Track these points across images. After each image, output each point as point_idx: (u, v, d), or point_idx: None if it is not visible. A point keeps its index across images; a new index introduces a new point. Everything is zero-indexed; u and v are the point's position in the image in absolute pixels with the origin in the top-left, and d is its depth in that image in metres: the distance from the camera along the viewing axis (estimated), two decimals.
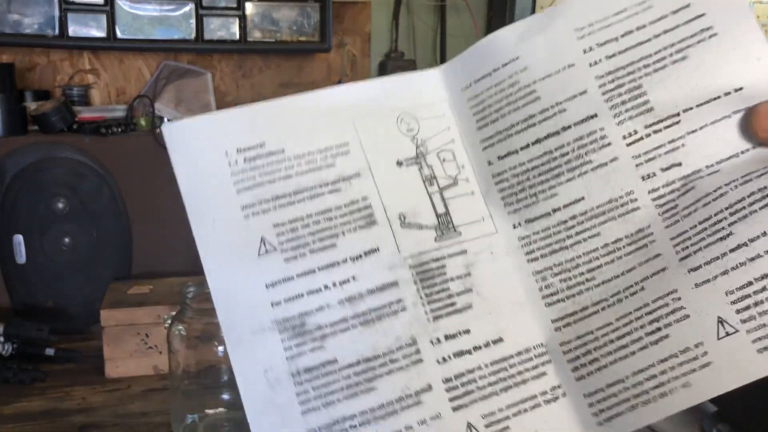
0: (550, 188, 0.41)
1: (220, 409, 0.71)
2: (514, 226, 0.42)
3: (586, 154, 0.41)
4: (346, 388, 0.39)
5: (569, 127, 0.41)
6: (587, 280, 0.40)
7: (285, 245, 0.40)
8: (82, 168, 1.03)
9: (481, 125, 0.44)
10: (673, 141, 0.40)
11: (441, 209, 0.43)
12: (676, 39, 0.40)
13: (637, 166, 0.40)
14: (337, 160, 0.42)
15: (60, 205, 1.02)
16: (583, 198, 0.41)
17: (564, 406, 0.40)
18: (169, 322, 0.70)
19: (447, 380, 0.40)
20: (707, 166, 0.39)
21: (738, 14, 0.39)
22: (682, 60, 0.40)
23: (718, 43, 0.39)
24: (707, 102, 0.39)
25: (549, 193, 0.41)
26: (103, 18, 1.17)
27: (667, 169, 0.40)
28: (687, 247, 0.38)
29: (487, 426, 0.39)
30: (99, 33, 1.18)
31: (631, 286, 0.39)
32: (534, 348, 0.41)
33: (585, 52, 0.41)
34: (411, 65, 1.46)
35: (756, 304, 0.36)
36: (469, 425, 0.39)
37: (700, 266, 0.38)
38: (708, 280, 0.37)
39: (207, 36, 1.23)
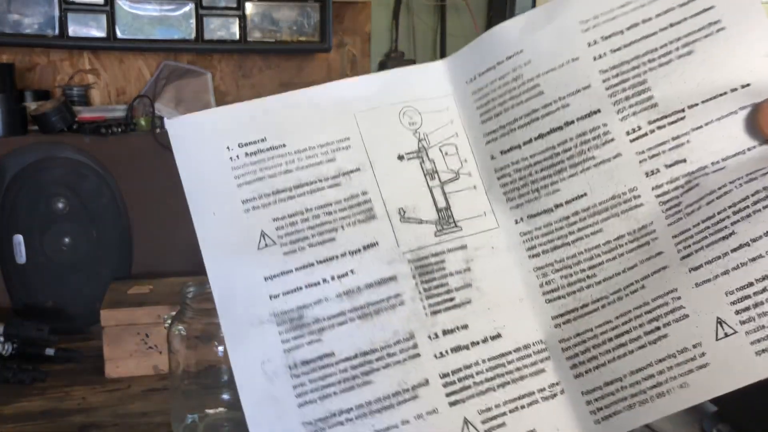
0: (553, 184, 0.41)
1: (220, 409, 0.71)
2: (516, 222, 0.42)
3: (588, 149, 0.40)
4: (343, 381, 0.39)
5: (572, 122, 0.41)
6: (588, 276, 0.40)
7: (284, 239, 0.40)
8: (82, 168, 1.03)
9: (484, 119, 0.43)
10: (677, 137, 0.39)
11: (442, 204, 0.43)
12: (682, 33, 0.39)
13: (640, 162, 0.40)
14: (337, 155, 0.42)
15: (60, 205, 1.02)
16: (585, 194, 0.41)
17: (562, 403, 0.40)
18: (169, 322, 0.70)
19: (444, 375, 0.40)
20: (712, 163, 0.38)
21: (747, 8, 0.38)
22: (688, 54, 0.39)
23: (726, 37, 0.38)
24: (713, 98, 0.39)
25: (551, 188, 0.41)
26: (103, 18, 1.17)
27: (671, 165, 0.39)
28: (689, 246, 0.38)
29: (483, 422, 0.39)
30: (99, 33, 1.18)
31: (632, 284, 0.39)
32: (533, 344, 0.41)
33: (589, 45, 0.41)
34: (411, 65, 1.46)
35: (756, 305, 0.36)
36: (466, 421, 0.39)
37: (701, 265, 0.37)
38: (708, 280, 0.37)
39: (207, 36, 1.23)
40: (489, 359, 0.40)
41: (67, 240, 1.02)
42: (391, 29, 1.47)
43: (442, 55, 1.48)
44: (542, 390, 0.40)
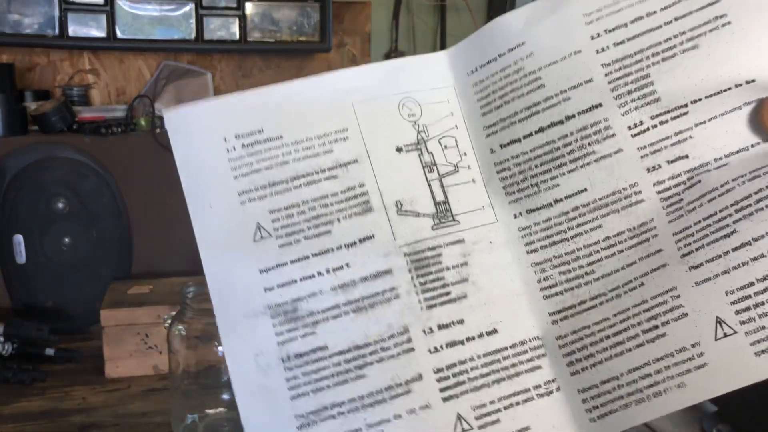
0: (552, 179, 0.41)
1: (220, 409, 0.71)
2: (515, 216, 0.42)
3: (589, 144, 0.40)
4: (336, 374, 0.39)
5: (573, 116, 0.40)
6: (587, 273, 0.40)
7: (280, 231, 0.40)
8: (82, 168, 1.03)
9: (485, 111, 0.43)
10: (680, 133, 0.39)
11: (440, 197, 0.42)
12: (687, 27, 0.39)
13: (642, 157, 0.39)
14: (335, 146, 0.42)
15: (60, 205, 1.02)
16: (585, 189, 0.40)
17: (557, 400, 0.40)
18: (169, 322, 0.70)
19: (438, 370, 0.40)
20: (715, 159, 0.38)
21: (753, 2, 0.38)
22: (693, 49, 0.39)
23: (731, 32, 0.38)
24: (717, 93, 0.38)
25: (551, 183, 0.41)
26: (103, 18, 1.17)
27: (673, 161, 0.39)
28: (689, 244, 0.38)
29: (477, 418, 0.39)
30: (99, 33, 1.18)
31: (631, 281, 0.39)
32: (529, 341, 0.41)
33: (592, 38, 0.40)
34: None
35: (756, 305, 0.35)
36: (459, 416, 0.39)
37: (701, 264, 0.37)
38: (709, 279, 0.37)
39: (207, 36, 1.23)
40: (484, 355, 0.40)
41: (67, 240, 1.02)
42: (391, 29, 1.47)
43: None
44: (538, 387, 0.40)
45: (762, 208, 0.36)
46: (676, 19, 0.39)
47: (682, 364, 0.37)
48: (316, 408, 0.38)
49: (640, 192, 0.39)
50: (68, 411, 0.79)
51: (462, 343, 0.40)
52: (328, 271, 0.40)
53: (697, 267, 0.37)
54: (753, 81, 0.38)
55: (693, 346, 0.37)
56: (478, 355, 0.40)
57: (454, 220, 0.42)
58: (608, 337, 0.39)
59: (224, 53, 1.31)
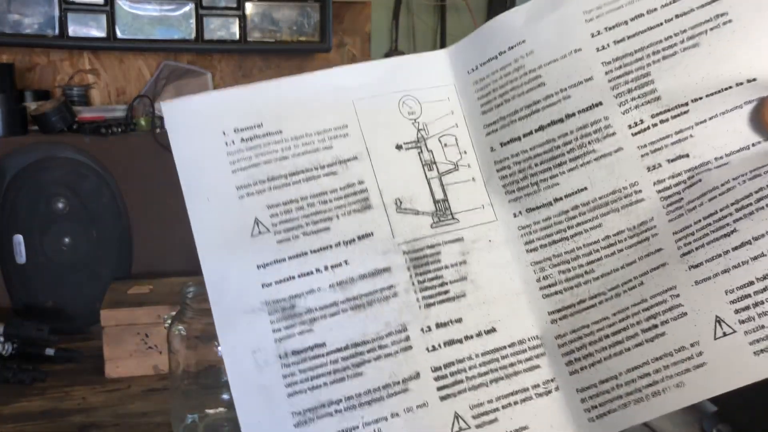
0: (552, 177, 0.41)
1: (220, 409, 0.71)
2: (515, 215, 0.42)
3: (589, 143, 0.40)
4: (334, 372, 0.39)
5: (573, 114, 0.40)
6: (586, 272, 0.40)
7: (278, 227, 0.40)
8: (82, 168, 1.03)
9: (485, 110, 0.43)
10: (680, 131, 0.39)
11: (439, 195, 0.42)
12: (688, 25, 0.39)
13: (642, 156, 0.39)
14: (334, 143, 0.42)
15: (60, 205, 1.02)
16: (585, 188, 0.40)
17: (556, 400, 0.40)
18: (169, 322, 0.70)
19: (436, 369, 0.39)
20: (716, 158, 0.38)
21: (755, 1, 0.38)
22: (694, 47, 0.38)
23: (733, 30, 0.38)
24: (718, 92, 0.38)
25: (551, 182, 0.41)
26: (103, 18, 1.17)
27: (673, 160, 0.39)
28: (689, 243, 0.38)
29: (474, 417, 0.39)
30: (99, 33, 1.18)
31: (630, 280, 0.39)
32: (528, 340, 0.40)
33: (593, 36, 0.40)
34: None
35: (756, 304, 0.35)
36: (457, 415, 0.39)
37: (701, 263, 0.37)
38: (708, 278, 0.37)
39: (207, 36, 1.23)
40: (482, 354, 0.40)
41: (67, 240, 1.02)
42: (391, 29, 1.47)
43: None
44: (536, 386, 0.40)
45: (762, 207, 0.36)
46: (677, 16, 0.39)
47: (681, 363, 0.37)
48: (314, 405, 0.38)
49: (640, 191, 0.39)
50: (68, 411, 0.79)
51: (460, 341, 0.40)
52: (326, 268, 0.40)
53: (696, 266, 0.37)
54: (754, 80, 0.37)
55: (692, 345, 0.37)
56: (477, 354, 0.40)
57: (453, 218, 0.42)
58: (607, 336, 0.39)
59: (224, 53, 1.31)
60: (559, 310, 0.40)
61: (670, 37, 0.39)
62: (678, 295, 0.37)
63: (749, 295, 0.35)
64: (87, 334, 0.99)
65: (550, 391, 0.40)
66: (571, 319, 0.40)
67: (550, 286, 0.41)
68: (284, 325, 0.39)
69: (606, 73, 0.40)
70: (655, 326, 0.38)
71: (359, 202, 0.41)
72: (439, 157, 0.43)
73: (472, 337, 0.40)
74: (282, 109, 0.41)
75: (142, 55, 1.28)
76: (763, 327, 0.35)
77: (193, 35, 1.23)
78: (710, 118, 0.38)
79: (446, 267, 0.41)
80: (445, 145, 0.43)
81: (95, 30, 1.18)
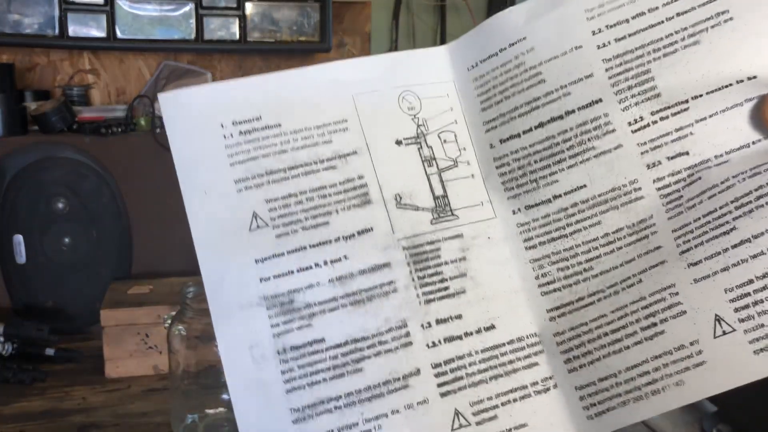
0: (552, 174, 0.41)
1: (220, 409, 0.71)
2: (514, 212, 0.42)
3: (589, 140, 0.40)
4: (333, 368, 0.38)
5: (573, 111, 0.40)
6: (585, 269, 0.40)
7: (277, 221, 0.40)
8: (82, 168, 1.03)
9: (485, 106, 0.43)
10: (680, 129, 0.38)
11: (439, 191, 0.42)
12: (689, 22, 0.39)
13: (642, 153, 0.39)
14: (334, 137, 0.41)
15: (60, 205, 1.02)
16: (584, 185, 0.40)
17: (554, 397, 0.39)
18: (169, 322, 0.70)
19: (436, 365, 0.39)
20: (716, 156, 0.38)
21: None
22: (694, 45, 0.38)
23: (733, 28, 0.38)
24: (718, 89, 0.38)
25: (550, 179, 0.41)
26: (103, 18, 1.17)
27: (673, 157, 0.39)
28: (688, 241, 0.37)
29: (474, 414, 0.39)
30: (99, 33, 1.18)
31: (629, 278, 0.39)
32: (527, 337, 0.40)
33: (594, 33, 0.40)
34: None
35: (755, 303, 0.35)
36: (457, 412, 0.39)
37: (700, 261, 0.37)
38: (708, 276, 0.37)
39: (207, 36, 1.23)
40: (482, 351, 0.40)
41: (67, 240, 1.02)
42: (391, 29, 1.47)
43: None
44: (535, 384, 0.40)
45: (762, 206, 0.36)
46: (678, 14, 0.39)
47: (680, 361, 0.37)
48: (312, 402, 0.38)
49: (639, 188, 0.39)
50: (68, 411, 0.79)
51: (460, 338, 0.40)
52: (325, 263, 0.40)
53: (696, 264, 0.37)
54: (754, 77, 0.37)
55: (691, 343, 0.36)
56: (476, 350, 0.40)
57: (452, 214, 0.42)
58: (606, 334, 0.39)
59: (224, 53, 1.31)
60: (557, 308, 0.40)
61: (671, 34, 0.39)
62: (677, 293, 0.37)
63: (749, 294, 0.35)
64: (87, 334, 0.99)
65: (548, 389, 0.40)
66: (570, 316, 0.40)
67: (548, 283, 0.41)
68: (282, 320, 0.38)
69: (606, 70, 0.40)
70: (654, 324, 0.38)
71: (359, 197, 0.41)
72: (439, 153, 0.43)
73: (471, 333, 0.40)
74: (281, 102, 0.41)
75: (142, 55, 1.28)
76: (762, 326, 0.35)
77: (193, 35, 1.23)
78: (710, 116, 0.38)
79: (446, 263, 0.41)
80: (445, 141, 0.43)
81: (95, 30, 1.18)
